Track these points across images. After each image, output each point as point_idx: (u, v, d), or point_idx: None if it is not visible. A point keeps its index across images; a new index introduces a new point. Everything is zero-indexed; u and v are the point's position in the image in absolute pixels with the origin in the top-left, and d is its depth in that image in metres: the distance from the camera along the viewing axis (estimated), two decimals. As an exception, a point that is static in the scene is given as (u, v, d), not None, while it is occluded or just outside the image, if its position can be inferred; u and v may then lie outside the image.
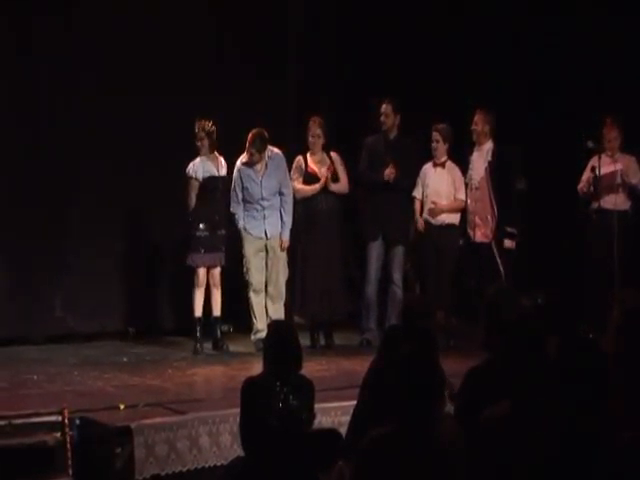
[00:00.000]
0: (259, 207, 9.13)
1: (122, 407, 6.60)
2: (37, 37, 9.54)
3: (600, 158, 8.97)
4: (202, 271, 9.08)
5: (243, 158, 9.14)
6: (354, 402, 5.28)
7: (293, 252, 9.31)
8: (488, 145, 9.27)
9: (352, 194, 9.48)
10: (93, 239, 9.69)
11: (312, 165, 9.35)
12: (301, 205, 9.34)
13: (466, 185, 9.32)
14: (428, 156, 9.36)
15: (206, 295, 9.16)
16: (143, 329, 10.04)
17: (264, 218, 9.12)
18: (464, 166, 9.34)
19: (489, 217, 9.20)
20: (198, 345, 9.04)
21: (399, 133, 9.43)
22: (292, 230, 9.23)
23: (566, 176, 9.44)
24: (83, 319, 9.72)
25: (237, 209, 9.15)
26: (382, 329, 9.38)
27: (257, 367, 5.70)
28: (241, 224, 9.14)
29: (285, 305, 9.24)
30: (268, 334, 5.73)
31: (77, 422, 6.16)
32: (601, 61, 9.62)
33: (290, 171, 9.29)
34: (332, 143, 9.42)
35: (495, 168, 9.16)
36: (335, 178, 9.32)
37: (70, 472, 5.95)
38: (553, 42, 10.00)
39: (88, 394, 7.23)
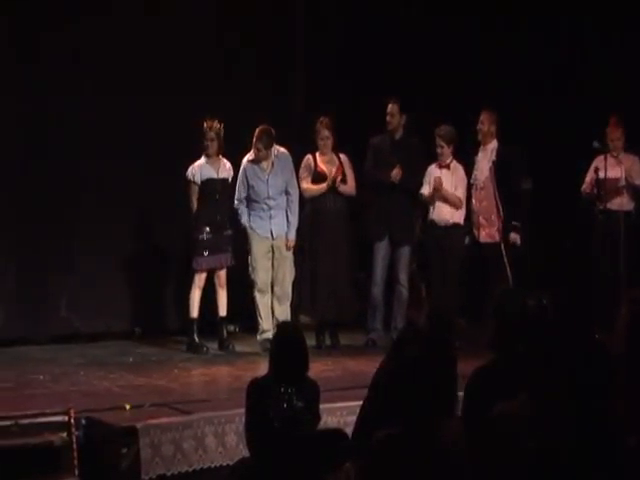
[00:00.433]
0: (265, 206, 9.12)
1: (128, 407, 6.60)
2: (41, 37, 9.54)
3: (606, 159, 8.97)
4: (202, 274, 9.08)
5: (249, 156, 9.15)
6: (360, 402, 5.27)
7: (300, 252, 9.31)
8: (492, 145, 9.28)
9: (358, 195, 9.48)
10: (99, 239, 9.69)
11: (321, 165, 9.34)
12: (309, 205, 9.34)
13: (471, 185, 9.33)
14: (433, 156, 9.36)
15: (211, 295, 9.17)
16: (149, 329, 10.04)
17: (270, 218, 9.12)
18: (468, 166, 9.34)
19: (494, 217, 9.19)
20: (199, 345, 9.04)
21: (405, 133, 9.43)
22: (299, 230, 9.23)
23: (571, 176, 9.43)
24: (89, 319, 9.73)
25: (240, 205, 9.15)
26: (388, 329, 9.40)
27: (263, 367, 5.71)
28: (245, 219, 9.13)
29: (291, 305, 9.24)
30: (275, 335, 5.73)
31: (83, 422, 6.16)
32: (606, 61, 9.61)
33: (298, 170, 9.31)
34: (337, 143, 9.42)
35: (499, 168, 9.16)
36: (343, 180, 9.32)
37: (76, 472, 5.94)
38: (555, 42, 10.00)
39: (94, 394, 7.23)
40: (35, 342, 9.43)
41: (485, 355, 4.85)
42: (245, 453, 5.59)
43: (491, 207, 9.20)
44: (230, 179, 9.21)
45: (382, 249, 9.41)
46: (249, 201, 9.16)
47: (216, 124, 9.01)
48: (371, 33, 10.66)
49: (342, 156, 9.39)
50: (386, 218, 9.37)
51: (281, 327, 6.09)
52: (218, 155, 9.15)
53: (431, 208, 9.29)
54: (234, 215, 9.20)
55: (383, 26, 10.61)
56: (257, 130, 9.00)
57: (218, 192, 9.12)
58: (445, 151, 9.26)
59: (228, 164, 9.20)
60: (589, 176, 9.25)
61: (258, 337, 9.10)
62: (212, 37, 10.33)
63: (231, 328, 9.71)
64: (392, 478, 3.74)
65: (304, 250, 9.31)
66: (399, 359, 4.09)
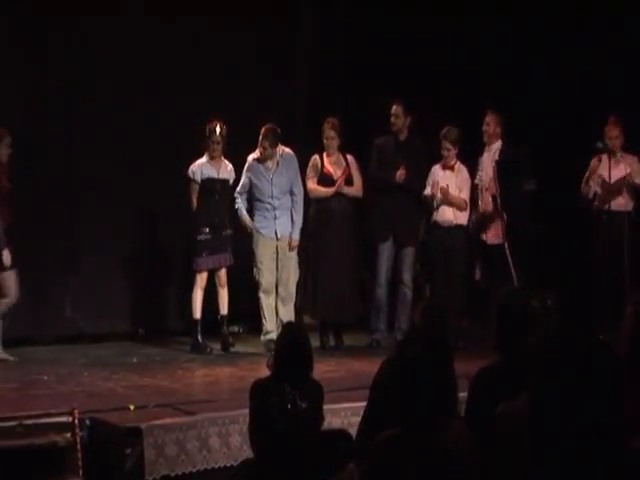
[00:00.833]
0: (269, 206, 9.12)
1: (132, 408, 6.62)
2: (49, 38, 9.56)
3: (610, 159, 8.96)
4: (203, 274, 9.08)
5: (255, 154, 9.15)
6: (364, 403, 5.27)
7: (303, 252, 9.31)
8: (497, 145, 9.28)
9: (363, 196, 9.47)
10: (103, 240, 9.70)
11: (328, 166, 9.34)
12: (314, 205, 9.34)
13: (476, 186, 9.33)
14: (437, 157, 9.36)
15: (213, 295, 9.17)
16: (152, 330, 10.05)
17: (275, 218, 9.12)
18: (472, 167, 9.34)
19: (498, 218, 9.18)
20: (202, 346, 9.05)
21: (409, 134, 9.43)
22: (303, 230, 9.23)
23: (575, 176, 9.42)
24: (93, 320, 9.73)
25: (240, 198, 9.15)
26: (391, 330, 9.40)
27: (266, 368, 5.69)
28: (240, 206, 9.12)
29: (295, 306, 9.24)
30: (279, 336, 5.73)
31: (87, 423, 6.16)
32: (610, 61, 9.61)
33: (303, 170, 9.30)
34: (342, 143, 9.41)
35: (501, 167, 9.15)
36: (350, 181, 9.32)
37: (80, 473, 5.94)
38: (558, 42, 9.99)
39: (98, 395, 7.24)
40: (39, 342, 9.45)
41: (489, 355, 4.85)
42: (249, 454, 5.59)
43: (495, 207, 9.20)
44: (231, 181, 9.21)
45: (386, 250, 9.41)
46: (254, 200, 9.17)
47: (223, 126, 9.01)
48: (376, 34, 10.66)
49: (349, 157, 9.39)
50: (390, 219, 9.37)
51: (285, 328, 6.09)
52: (220, 157, 9.16)
53: (434, 210, 9.29)
54: (234, 215, 9.20)
55: (387, 27, 10.60)
56: (263, 128, 9.01)
57: (218, 192, 9.12)
58: (451, 154, 9.27)
59: (230, 166, 9.20)
60: (593, 177, 9.23)
61: (262, 338, 9.10)
62: (215, 37, 10.33)
63: (235, 329, 9.72)
64: (393, 478, 3.74)
65: (307, 250, 9.31)
66: (399, 359, 4.10)
